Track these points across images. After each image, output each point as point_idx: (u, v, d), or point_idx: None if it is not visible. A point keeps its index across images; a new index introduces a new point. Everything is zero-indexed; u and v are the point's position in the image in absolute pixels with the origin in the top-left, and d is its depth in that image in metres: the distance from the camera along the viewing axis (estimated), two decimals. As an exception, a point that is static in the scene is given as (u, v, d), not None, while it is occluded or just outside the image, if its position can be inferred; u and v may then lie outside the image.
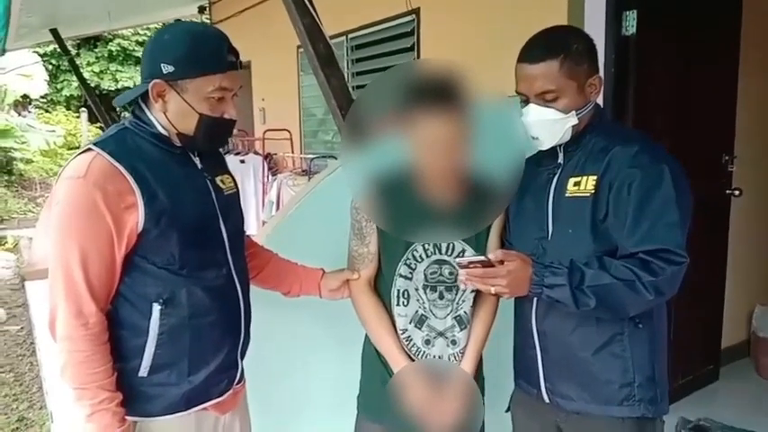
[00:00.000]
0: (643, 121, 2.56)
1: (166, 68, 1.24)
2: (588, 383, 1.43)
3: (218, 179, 1.42)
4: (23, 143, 10.95)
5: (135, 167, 1.23)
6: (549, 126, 1.39)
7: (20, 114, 13.68)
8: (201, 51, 1.26)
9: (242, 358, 1.49)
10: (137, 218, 1.22)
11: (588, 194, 1.37)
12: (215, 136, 1.35)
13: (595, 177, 1.37)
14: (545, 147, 1.43)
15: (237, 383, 1.48)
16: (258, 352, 1.61)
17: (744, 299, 3.41)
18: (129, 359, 1.29)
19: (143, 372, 1.29)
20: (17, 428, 3.30)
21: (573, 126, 1.39)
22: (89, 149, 1.24)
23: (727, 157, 3.05)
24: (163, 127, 1.31)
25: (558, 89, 1.36)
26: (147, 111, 1.31)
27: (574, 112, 1.38)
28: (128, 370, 1.29)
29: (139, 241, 1.25)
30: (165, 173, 1.28)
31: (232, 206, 1.45)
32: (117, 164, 1.21)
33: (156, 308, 1.27)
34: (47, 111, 14.64)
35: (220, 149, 1.50)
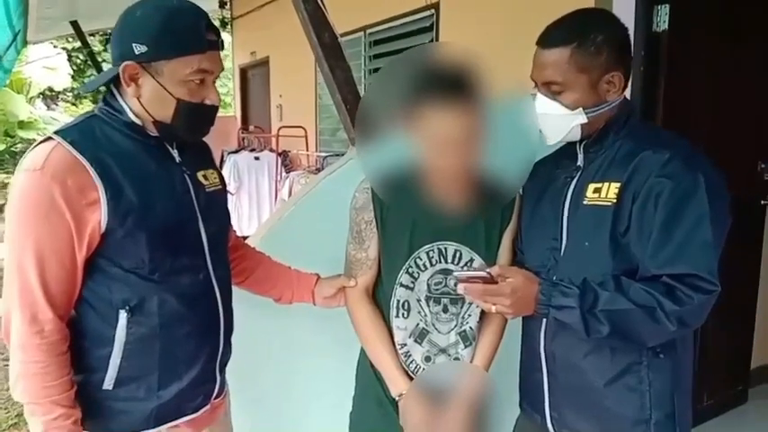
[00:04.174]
0: (673, 124, 2.40)
1: (139, 49, 1.11)
2: (599, 417, 1.28)
3: (199, 174, 1.29)
4: (46, 135, 11.06)
5: (100, 159, 1.11)
6: (552, 121, 1.25)
7: (49, 107, 13.87)
8: (178, 29, 1.13)
9: (221, 371, 1.37)
10: (100, 216, 1.10)
11: (609, 203, 1.21)
12: (195, 124, 1.22)
13: (618, 185, 1.20)
14: (550, 143, 1.29)
15: (216, 398, 1.36)
16: (246, 360, 1.51)
17: (777, 317, 3.21)
18: (93, 371, 1.18)
19: (108, 385, 1.18)
20: (16, 423, 3.26)
21: (582, 125, 1.24)
22: (50, 138, 1.12)
23: (763, 165, 2.88)
24: (136, 114, 1.19)
25: (565, 82, 1.21)
26: (118, 97, 1.19)
27: (581, 109, 1.22)
28: (91, 382, 1.18)
29: (103, 242, 1.12)
30: (135, 166, 1.16)
31: (215, 204, 1.32)
32: (78, 155, 1.09)
33: (123, 315, 1.16)
34: (73, 104, 14.82)
35: (205, 140, 1.37)
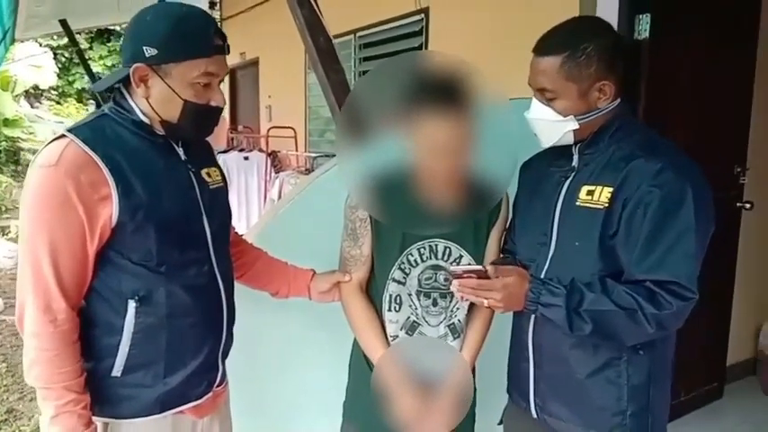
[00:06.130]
0: (653, 129, 2.48)
1: (149, 51, 1.17)
2: (579, 407, 1.35)
3: (203, 172, 1.35)
4: (31, 134, 10.95)
5: (111, 156, 1.16)
6: (546, 126, 1.31)
7: (32, 106, 13.74)
8: (187, 34, 1.18)
9: (223, 360, 1.42)
10: (111, 210, 1.15)
11: (601, 207, 1.26)
12: (200, 124, 1.28)
13: (611, 190, 1.25)
14: (545, 146, 1.36)
15: (218, 386, 1.42)
16: (245, 353, 1.56)
17: (751, 315, 3.32)
18: (102, 358, 1.23)
19: (116, 372, 1.23)
20: (6, 419, 3.25)
21: (575, 130, 1.30)
22: (63, 136, 1.17)
23: (739, 169, 2.96)
24: (145, 114, 1.24)
25: (555, 90, 1.26)
26: (128, 97, 1.24)
27: (573, 116, 1.28)
28: (100, 369, 1.23)
29: (114, 235, 1.18)
30: (144, 164, 1.21)
31: (218, 201, 1.38)
32: (91, 152, 1.14)
33: (132, 305, 1.21)
34: (58, 103, 14.70)
35: (208, 140, 1.43)
